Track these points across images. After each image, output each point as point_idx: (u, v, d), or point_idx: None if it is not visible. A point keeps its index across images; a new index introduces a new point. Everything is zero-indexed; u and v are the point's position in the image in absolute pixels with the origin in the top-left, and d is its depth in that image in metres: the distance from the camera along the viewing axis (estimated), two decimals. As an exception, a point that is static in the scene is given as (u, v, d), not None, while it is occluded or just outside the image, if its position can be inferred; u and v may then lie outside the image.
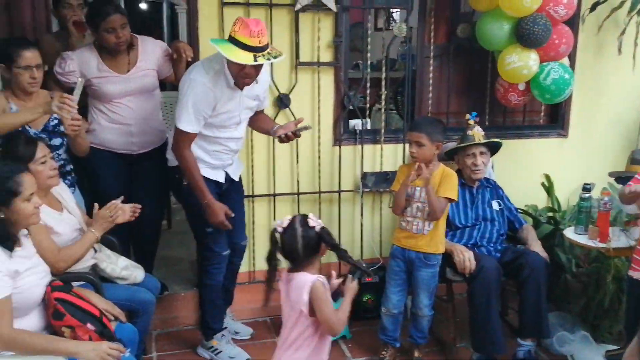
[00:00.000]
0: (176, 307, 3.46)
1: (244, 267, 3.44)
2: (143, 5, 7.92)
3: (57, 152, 2.79)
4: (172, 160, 2.87)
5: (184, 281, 3.62)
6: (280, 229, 2.04)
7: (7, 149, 2.33)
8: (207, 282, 3.01)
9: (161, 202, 3.45)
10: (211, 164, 2.86)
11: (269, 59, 2.54)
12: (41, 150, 2.36)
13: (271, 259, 2.07)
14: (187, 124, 2.66)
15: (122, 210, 2.57)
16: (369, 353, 3.21)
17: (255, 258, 3.55)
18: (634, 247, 2.61)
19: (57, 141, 2.81)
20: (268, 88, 3.03)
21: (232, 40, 2.51)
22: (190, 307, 3.43)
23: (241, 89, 2.73)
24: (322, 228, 2.06)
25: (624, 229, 2.88)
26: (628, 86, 3.92)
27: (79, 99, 2.55)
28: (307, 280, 2.00)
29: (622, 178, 3.19)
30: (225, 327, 3.17)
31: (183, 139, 2.70)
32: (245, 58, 2.48)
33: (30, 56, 2.63)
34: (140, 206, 2.64)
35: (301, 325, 2.04)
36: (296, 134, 2.84)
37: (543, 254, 3.07)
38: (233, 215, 2.86)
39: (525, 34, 3.21)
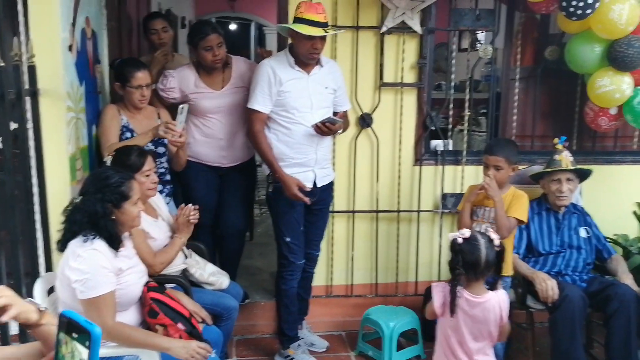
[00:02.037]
0: (256, 315, 3.56)
1: (321, 281, 3.52)
2: (232, 26, 8.30)
3: (160, 159, 3.02)
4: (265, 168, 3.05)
5: (264, 291, 3.72)
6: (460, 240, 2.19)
7: (119, 157, 2.53)
8: (282, 287, 3.14)
9: (246, 213, 3.59)
10: (295, 158, 2.97)
11: (335, 32, 2.97)
12: (148, 164, 2.55)
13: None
14: (256, 103, 2.92)
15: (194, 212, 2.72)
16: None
17: (333, 272, 3.60)
18: None
19: (161, 150, 3.06)
20: (343, 86, 3.15)
21: (298, 20, 2.81)
22: (268, 316, 3.53)
23: (307, 69, 2.92)
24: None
25: None
26: None
27: (183, 123, 2.80)
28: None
29: None
30: (302, 338, 3.24)
31: (254, 118, 2.95)
32: (316, 31, 2.77)
33: (142, 76, 2.92)
34: (197, 207, 2.76)
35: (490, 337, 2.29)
36: (325, 125, 2.89)
37: (634, 286, 2.92)
38: (308, 189, 2.97)
39: (619, 57, 3.13)
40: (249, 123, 3.00)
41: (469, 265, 2.17)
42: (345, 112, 3.21)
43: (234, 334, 3.32)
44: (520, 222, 2.87)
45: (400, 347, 3.28)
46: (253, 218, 4.57)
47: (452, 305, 2.21)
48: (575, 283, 3.01)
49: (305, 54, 2.87)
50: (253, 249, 4.36)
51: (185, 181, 3.28)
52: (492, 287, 2.29)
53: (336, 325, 3.60)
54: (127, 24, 4.54)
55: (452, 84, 3.62)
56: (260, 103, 2.92)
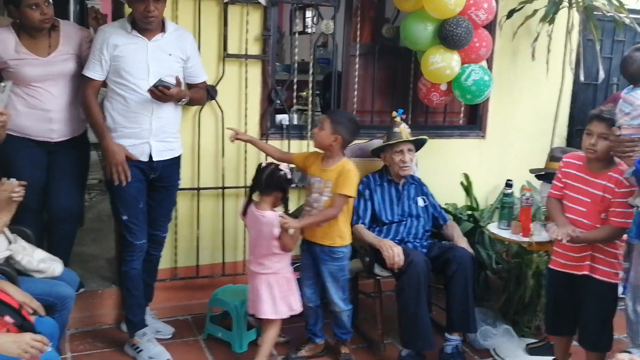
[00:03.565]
0: (93, 305, 3.26)
1: (165, 264, 3.33)
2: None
3: None
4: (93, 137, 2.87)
5: (101, 278, 3.44)
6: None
7: None
8: (122, 268, 2.97)
9: (80, 193, 3.24)
10: (128, 127, 2.81)
11: None
12: None
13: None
14: (87, 69, 2.80)
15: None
16: (290, 348, 3.15)
17: (177, 254, 3.41)
18: (554, 241, 2.74)
19: None
20: (197, 57, 3.01)
21: None
22: (108, 304, 3.27)
23: (147, 34, 2.79)
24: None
25: (544, 224, 3.01)
26: (542, 90, 4.14)
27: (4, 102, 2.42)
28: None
29: (542, 175, 3.35)
30: (147, 325, 3.03)
31: (86, 85, 2.83)
32: None
33: None
34: (25, 183, 2.42)
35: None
36: (158, 89, 2.73)
37: (469, 249, 3.12)
38: (138, 159, 2.84)
39: (449, 35, 3.31)
40: (81, 92, 2.84)
41: (258, 183, 2.81)
42: (202, 84, 3.06)
43: (67, 328, 3.01)
44: (347, 197, 2.86)
45: (250, 326, 3.20)
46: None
47: (245, 209, 2.89)
48: (417, 249, 3.15)
49: (140, 18, 2.74)
50: (85, 235, 3.98)
51: (3, 158, 2.85)
52: None
53: (182, 310, 3.42)
54: None
55: (295, 63, 3.59)
56: (91, 69, 2.79)
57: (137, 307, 3.01)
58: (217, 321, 3.25)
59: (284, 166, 2.82)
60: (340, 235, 2.91)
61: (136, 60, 2.77)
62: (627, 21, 3.77)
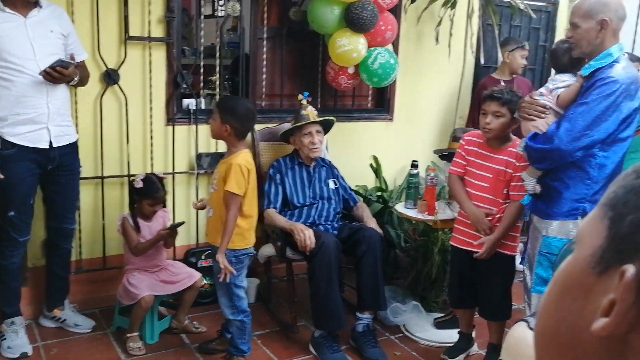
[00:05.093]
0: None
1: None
2: None
3: None
4: None
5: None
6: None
7: None
8: (2, 262, 2.82)
9: None
10: (22, 114, 2.64)
11: None
12: None
13: None
14: None
15: None
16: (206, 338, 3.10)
17: (82, 246, 3.27)
18: (456, 219, 2.86)
19: None
20: (74, 33, 2.86)
21: None
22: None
23: (22, 11, 2.62)
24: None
25: (448, 202, 3.12)
26: (445, 73, 4.27)
27: None
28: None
29: (445, 155, 3.47)
30: (21, 315, 2.93)
31: None
32: None
33: None
34: None
35: None
36: (55, 70, 2.60)
37: (378, 229, 3.19)
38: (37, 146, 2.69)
39: (355, 18, 3.34)
40: None
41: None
42: (83, 63, 2.91)
43: None
44: (234, 194, 2.59)
45: (161, 316, 3.14)
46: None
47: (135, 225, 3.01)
48: (329, 231, 3.19)
49: None
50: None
51: None
52: None
53: (89, 303, 3.29)
54: None
55: (201, 46, 3.50)
56: None
57: (14, 298, 2.90)
58: (127, 312, 3.16)
59: (137, 176, 2.97)
60: (218, 233, 2.65)
61: (17, 39, 2.60)
62: (521, 7, 3.95)
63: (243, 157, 2.63)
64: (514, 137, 2.71)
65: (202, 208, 2.94)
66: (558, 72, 2.58)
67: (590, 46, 2.29)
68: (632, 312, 0.46)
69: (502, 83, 3.72)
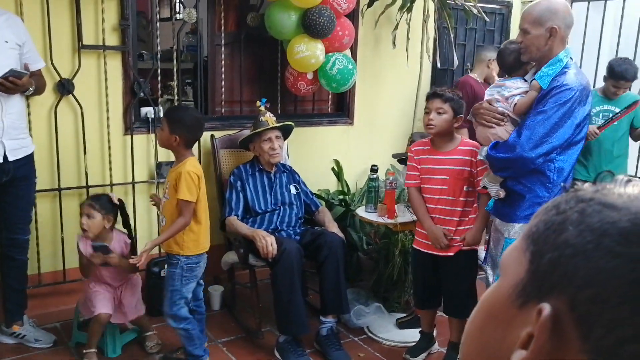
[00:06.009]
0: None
1: (28, 270, 3.09)
2: None
3: None
4: None
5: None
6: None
7: None
8: None
9: None
10: None
11: None
12: None
13: None
14: None
15: None
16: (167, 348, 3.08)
17: (40, 260, 3.21)
18: (416, 221, 2.90)
19: None
20: (31, 41, 2.80)
21: None
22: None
23: None
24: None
25: (407, 205, 3.17)
26: (403, 77, 4.31)
27: None
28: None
29: (403, 159, 3.51)
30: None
31: None
32: None
33: None
34: None
35: None
36: (9, 80, 2.55)
37: (340, 233, 3.21)
38: None
39: (312, 24, 3.36)
40: None
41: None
42: (39, 72, 2.86)
43: None
44: (187, 202, 2.60)
45: (123, 329, 3.10)
46: None
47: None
48: (291, 237, 3.20)
49: None
50: None
51: None
52: None
53: (50, 317, 3.22)
54: None
55: (159, 53, 3.47)
56: None
57: None
58: (86, 327, 3.10)
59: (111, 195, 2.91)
60: (177, 242, 2.66)
61: None
62: (474, 11, 4.02)
63: (191, 164, 2.65)
64: (458, 136, 2.77)
65: (157, 205, 2.88)
66: (504, 71, 2.65)
67: (540, 52, 2.36)
68: (547, 347, 0.48)
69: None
